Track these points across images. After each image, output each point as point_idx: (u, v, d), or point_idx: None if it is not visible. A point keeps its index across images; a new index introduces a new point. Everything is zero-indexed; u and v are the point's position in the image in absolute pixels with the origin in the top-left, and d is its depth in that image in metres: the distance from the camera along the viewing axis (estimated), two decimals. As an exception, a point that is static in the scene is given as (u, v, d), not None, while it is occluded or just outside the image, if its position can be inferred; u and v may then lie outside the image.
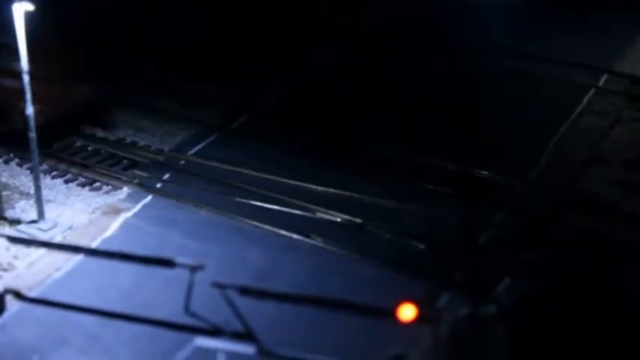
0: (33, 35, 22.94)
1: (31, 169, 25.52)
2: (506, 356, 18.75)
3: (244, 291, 16.67)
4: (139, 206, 25.73)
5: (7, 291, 21.22)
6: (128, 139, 29.86)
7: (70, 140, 29.30)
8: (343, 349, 19.76)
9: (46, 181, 26.73)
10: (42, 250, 23.28)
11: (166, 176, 27.34)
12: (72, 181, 27.28)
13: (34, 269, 22.90)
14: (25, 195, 26.30)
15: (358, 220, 24.40)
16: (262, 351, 16.95)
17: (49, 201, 25.65)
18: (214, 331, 18.09)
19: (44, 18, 24.05)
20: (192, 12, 37.70)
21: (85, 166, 27.93)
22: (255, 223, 24.60)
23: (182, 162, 28.25)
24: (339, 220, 24.64)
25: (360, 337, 20.03)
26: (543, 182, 26.75)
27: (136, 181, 27.05)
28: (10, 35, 23.20)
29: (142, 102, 31.43)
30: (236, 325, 17.30)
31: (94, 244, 23.82)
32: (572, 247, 23.56)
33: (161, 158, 28.40)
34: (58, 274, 22.65)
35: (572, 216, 24.69)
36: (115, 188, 26.75)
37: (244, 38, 36.03)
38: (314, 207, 24.95)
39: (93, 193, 26.61)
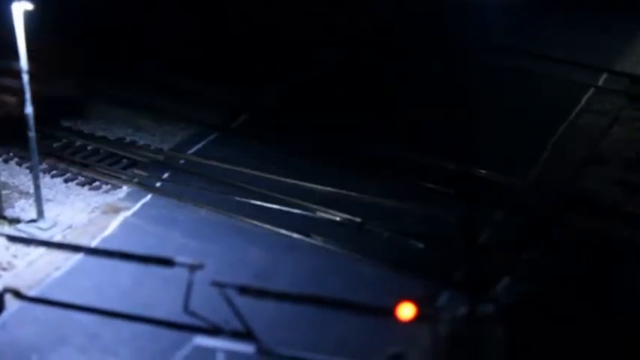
0: (32, 34, 22.97)
1: (31, 168, 25.51)
2: (505, 356, 18.75)
3: (244, 290, 16.64)
4: (138, 205, 25.73)
5: (7, 290, 21.11)
6: (128, 139, 29.87)
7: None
8: (343, 348, 19.77)
9: (45, 180, 26.74)
10: (41, 249, 23.30)
11: (166, 175, 27.35)
12: (71, 180, 27.29)
13: (34, 268, 22.91)
14: (24, 194, 26.31)
15: (358, 220, 24.41)
16: (262, 350, 16.93)
17: (48, 200, 25.66)
18: (214, 331, 18.03)
19: (43, 17, 24.06)
20: (192, 12, 37.71)
21: (85, 165, 27.93)
22: (255, 222, 24.61)
23: (182, 161, 28.25)
24: (338, 219, 24.64)
25: (359, 336, 20.04)
26: (543, 181, 26.74)
27: (136, 180, 27.05)
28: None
29: (142, 101, 31.46)
30: (235, 325, 17.25)
31: (93, 243, 23.83)
32: (571, 247, 23.57)
33: (161, 157, 28.40)
34: (57, 273, 22.67)
35: (571, 215, 24.69)
36: (115, 187, 26.75)
37: (244, 38, 36.03)
38: (314, 206, 24.95)
39: (92, 192, 26.62)
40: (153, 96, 31.83)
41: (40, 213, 24.64)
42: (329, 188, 25.71)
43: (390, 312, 15.52)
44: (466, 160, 26.70)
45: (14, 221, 24.92)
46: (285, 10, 37.66)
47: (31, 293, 21.79)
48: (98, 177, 27.28)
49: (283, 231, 24.16)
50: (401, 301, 15.58)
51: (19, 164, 27.99)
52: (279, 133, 29.17)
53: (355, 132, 29.26)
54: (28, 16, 22.77)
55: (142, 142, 29.57)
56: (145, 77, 32.88)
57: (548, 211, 24.92)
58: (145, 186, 26.67)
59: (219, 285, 16.82)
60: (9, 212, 25.36)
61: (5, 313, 20.73)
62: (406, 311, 15.52)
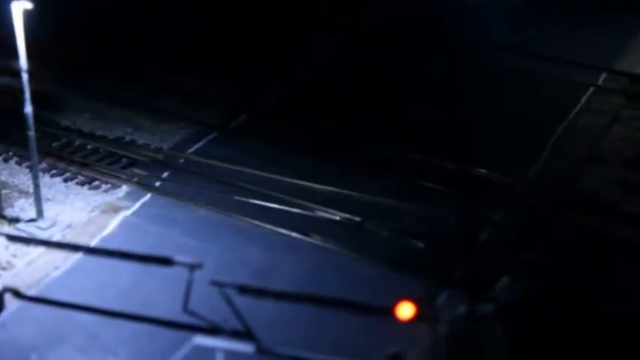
0: (31, 32, 22.98)
1: (30, 168, 25.49)
2: (504, 355, 18.72)
3: (243, 289, 16.61)
4: (138, 205, 25.72)
5: (6, 289, 21.11)
6: (127, 138, 29.85)
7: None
8: (342, 348, 19.76)
9: (45, 179, 26.72)
10: (41, 249, 23.29)
11: (165, 175, 27.33)
12: (71, 179, 27.27)
13: (33, 268, 22.91)
14: (24, 193, 26.30)
15: (357, 219, 24.40)
16: (261, 349, 16.91)
17: (48, 199, 25.65)
18: (213, 330, 18.03)
19: (43, 16, 24.06)
20: (192, 12, 37.72)
21: (84, 165, 27.91)
22: (255, 221, 24.59)
23: (181, 160, 28.24)
24: (338, 218, 24.63)
25: (358, 335, 20.03)
26: (543, 181, 26.73)
27: (135, 179, 27.04)
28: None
29: (142, 101, 31.44)
30: (235, 324, 17.24)
31: (93, 243, 23.83)
32: (571, 247, 23.56)
33: (160, 157, 28.39)
34: (57, 273, 22.66)
35: (571, 215, 24.68)
36: (114, 187, 26.73)
37: (244, 38, 36.03)
38: (313, 205, 24.94)
39: (92, 192, 26.60)
40: (153, 96, 31.81)
41: (40, 212, 24.63)
42: (329, 188, 25.71)
43: (389, 311, 15.50)
44: (466, 160, 26.65)
45: (14, 220, 24.91)
46: (285, 9, 37.66)
47: (31, 293, 21.79)
48: (98, 176, 27.26)
49: (283, 230, 24.15)
50: (400, 301, 15.56)
51: (19, 163, 27.97)
52: (279, 133, 29.15)
53: (355, 132, 29.25)
54: (28, 16, 22.77)
55: (141, 142, 29.55)
56: (144, 77, 32.86)
57: (548, 211, 24.91)
58: (145, 185, 26.65)
59: (218, 284, 16.80)
60: (8, 211, 25.35)
61: (5, 313, 20.70)
62: (405, 311, 15.50)
